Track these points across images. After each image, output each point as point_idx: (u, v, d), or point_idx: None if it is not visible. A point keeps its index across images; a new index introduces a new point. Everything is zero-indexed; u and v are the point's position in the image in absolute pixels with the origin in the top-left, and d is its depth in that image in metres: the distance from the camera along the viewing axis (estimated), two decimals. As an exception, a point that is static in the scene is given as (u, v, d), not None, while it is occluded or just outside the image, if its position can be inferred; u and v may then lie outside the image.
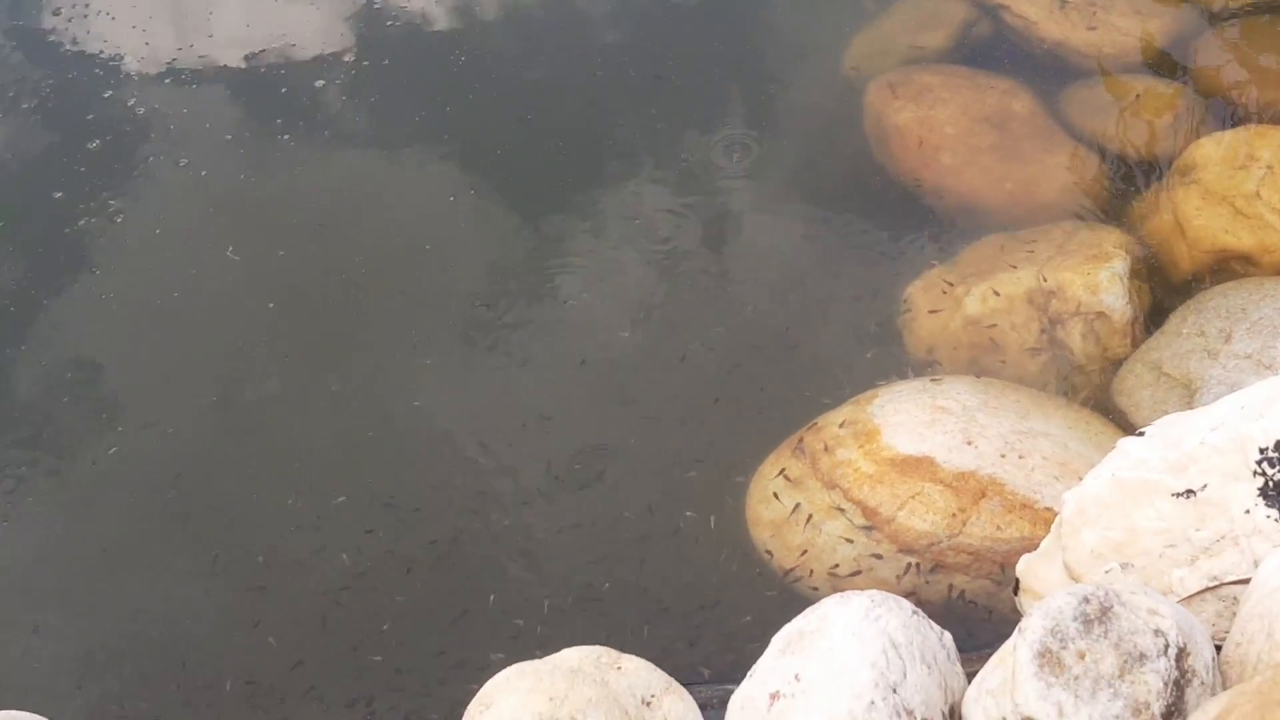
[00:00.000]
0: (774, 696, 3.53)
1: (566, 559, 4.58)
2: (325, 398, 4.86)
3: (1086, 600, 3.30)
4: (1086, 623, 3.27)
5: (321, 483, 4.66)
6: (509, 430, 4.81)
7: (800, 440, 4.78)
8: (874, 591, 3.60)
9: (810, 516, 4.61)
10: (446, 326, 4.96)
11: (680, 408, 4.93)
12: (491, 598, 4.51)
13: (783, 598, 4.46)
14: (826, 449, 4.68)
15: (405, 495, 4.63)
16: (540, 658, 3.79)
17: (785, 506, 4.71)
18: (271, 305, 5.07)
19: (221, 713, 4.25)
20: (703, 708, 3.85)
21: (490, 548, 4.57)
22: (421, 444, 4.74)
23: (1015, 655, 3.28)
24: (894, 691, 3.36)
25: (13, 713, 3.30)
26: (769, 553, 4.64)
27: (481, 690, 3.74)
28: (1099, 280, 4.90)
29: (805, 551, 4.58)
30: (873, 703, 3.34)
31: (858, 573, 4.43)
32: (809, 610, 3.67)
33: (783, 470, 4.75)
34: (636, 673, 4.00)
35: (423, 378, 4.97)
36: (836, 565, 4.49)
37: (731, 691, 3.70)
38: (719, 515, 4.72)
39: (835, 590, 3.95)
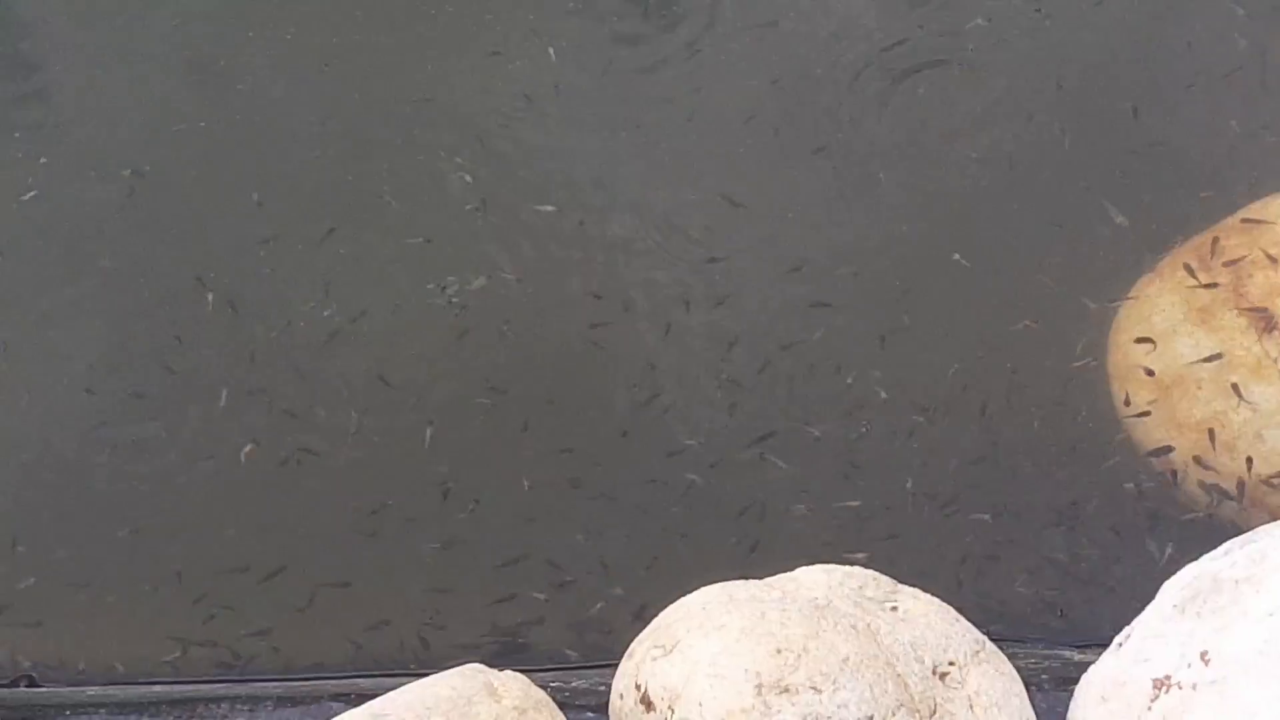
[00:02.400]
0: (1162, 685, 2.59)
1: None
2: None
3: None
4: None
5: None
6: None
7: (1214, 242, 3.66)
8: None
9: (1229, 377, 3.51)
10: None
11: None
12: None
13: (1173, 515, 3.44)
14: (1270, 259, 3.58)
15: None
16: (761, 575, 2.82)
17: (1180, 355, 3.53)
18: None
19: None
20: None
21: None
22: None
23: None
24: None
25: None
26: (1144, 434, 3.54)
27: (661, 618, 2.72)
28: None
29: (1213, 433, 3.45)
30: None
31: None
32: (1229, 544, 2.77)
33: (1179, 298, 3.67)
34: (924, 619, 2.52)
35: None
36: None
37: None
38: (1059, 362, 3.61)
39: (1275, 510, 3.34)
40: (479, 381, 3.56)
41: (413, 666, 3.20)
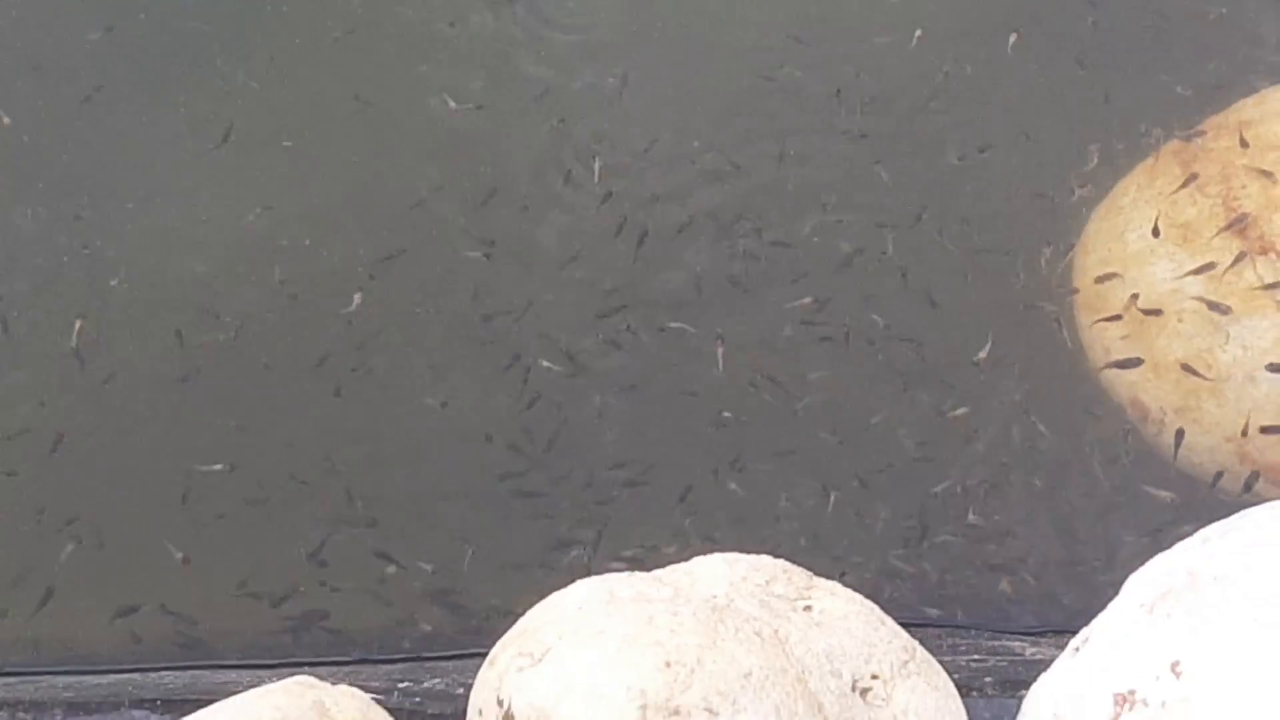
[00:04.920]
0: (1125, 700, 2.29)
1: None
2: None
3: None
4: None
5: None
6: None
7: (1196, 137, 3.36)
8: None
9: (1219, 306, 3.12)
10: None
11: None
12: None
13: (1150, 483, 3.07)
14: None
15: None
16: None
17: (1161, 285, 3.16)
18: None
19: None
20: None
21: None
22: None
23: None
24: None
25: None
26: (1114, 384, 3.22)
27: (529, 618, 2.39)
28: None
29: (1188, 376, 3.11)
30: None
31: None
32: (1206, 531, 2.47)
33: (1157, 215, 3.24)
34: (843, 623, 2.22)
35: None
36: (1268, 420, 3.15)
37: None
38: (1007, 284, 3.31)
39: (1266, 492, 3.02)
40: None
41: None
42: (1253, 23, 3.68)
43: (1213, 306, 3.11)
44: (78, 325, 3.34)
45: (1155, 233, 3.21)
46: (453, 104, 3.62)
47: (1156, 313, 3.14)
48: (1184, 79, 3.57)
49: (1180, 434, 3.11)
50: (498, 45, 3.69)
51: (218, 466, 3.18)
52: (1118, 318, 3.16)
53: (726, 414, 3.22)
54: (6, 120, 3.61)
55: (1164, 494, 3.09)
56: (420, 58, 3.73)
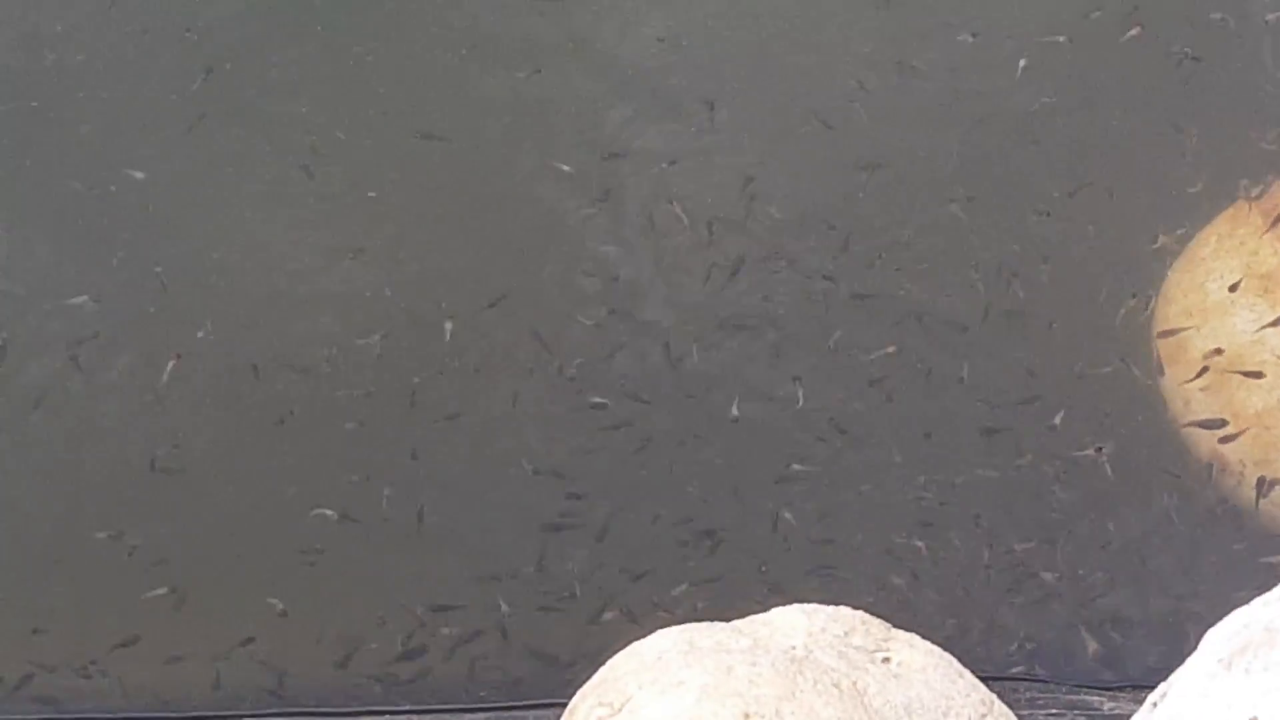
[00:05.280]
0: None
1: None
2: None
3: None
4: None
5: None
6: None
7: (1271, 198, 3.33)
8: None
9: None
10: None
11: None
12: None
13: (1236, 536, 3.00)
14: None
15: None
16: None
17: (1240, 336, 3.16)
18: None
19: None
20: None
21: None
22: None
23: None
24: None
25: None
26: (1194, 437, 3.16)
27: (609, 668, 2.41)
28: None
29: (1268, 428, 3.10)
30: None
31: None
32: None
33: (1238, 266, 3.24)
34: (922, 675, 2.21)
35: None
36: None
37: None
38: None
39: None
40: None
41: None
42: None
43: None
44: (170, 365, 3.40)
45: (1233, 288, 3.22)
46: (566, 168, 3.66)
47: (1257, 375, 3.11)
48: (1268, 132, 3.57)
49: (1260, 484, 3.07)
50: (590, 105, 3.74)
51: (327, 512, 3.25)
52: (1203, 371, 3.13)
53: (796, 466, 3.24)
54: (140, 175, 3.67)
55: (1242, 547, 3.07)
56: (508, 110, 3.78)
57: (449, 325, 3.42)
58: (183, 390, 3.36)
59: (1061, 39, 3.67)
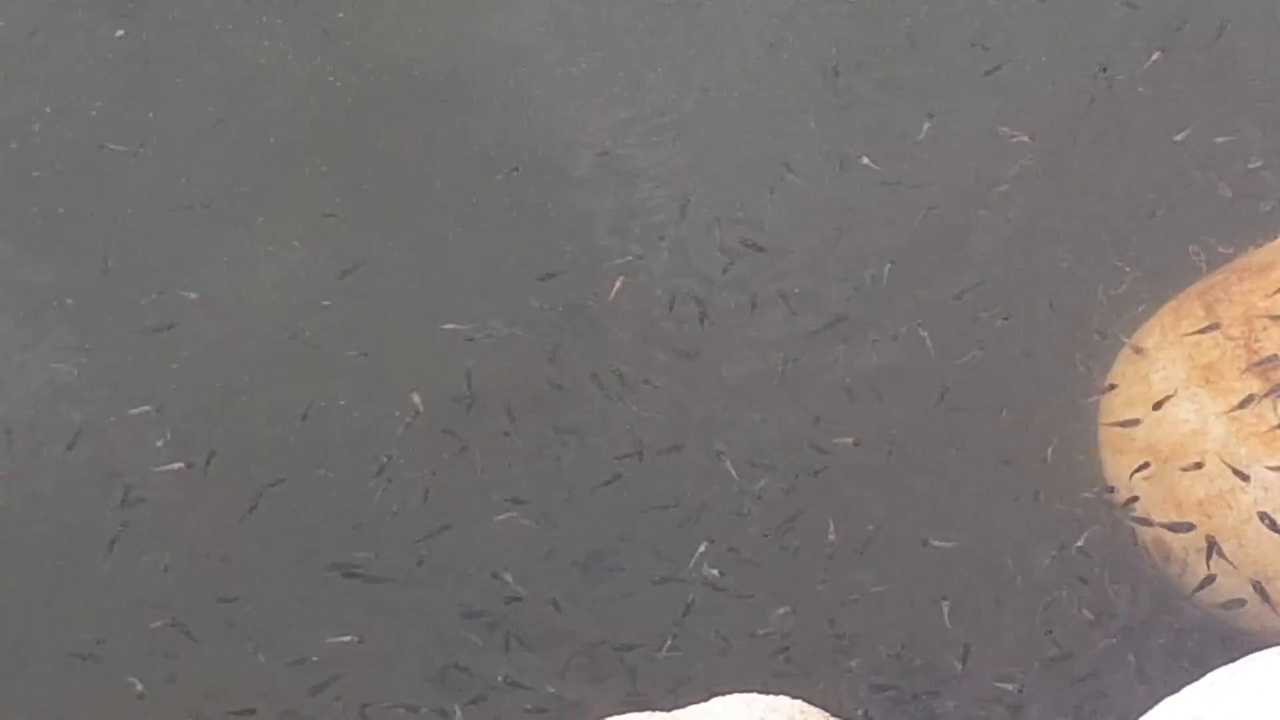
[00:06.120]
0: None
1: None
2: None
3: None
4: None
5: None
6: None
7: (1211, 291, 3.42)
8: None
9: (1228, 448, 3.17)
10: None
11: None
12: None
13: (1160, 617, 3.13)
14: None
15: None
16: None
17: (1183, 426, 3.23)
18: None
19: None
20: None
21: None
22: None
23: None
24: None
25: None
26: (1138, 518, 3.23)
27: None
28: None
29: (1209, 517, 3.14)
30: None
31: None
32: (1214, 675, 2.48)
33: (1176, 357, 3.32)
34: None
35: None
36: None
37: None
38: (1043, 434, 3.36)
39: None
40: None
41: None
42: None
43: (1236, 472, 3.08)
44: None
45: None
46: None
47: (1196, 466, 3.13)
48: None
49: (1208, 579, 3.09)
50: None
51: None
52: (1145, 466, 3.17)
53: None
54: None
55: (1187, 632, 3.10)
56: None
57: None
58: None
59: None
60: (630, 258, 3.63)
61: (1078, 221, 3.65)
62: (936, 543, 3.18)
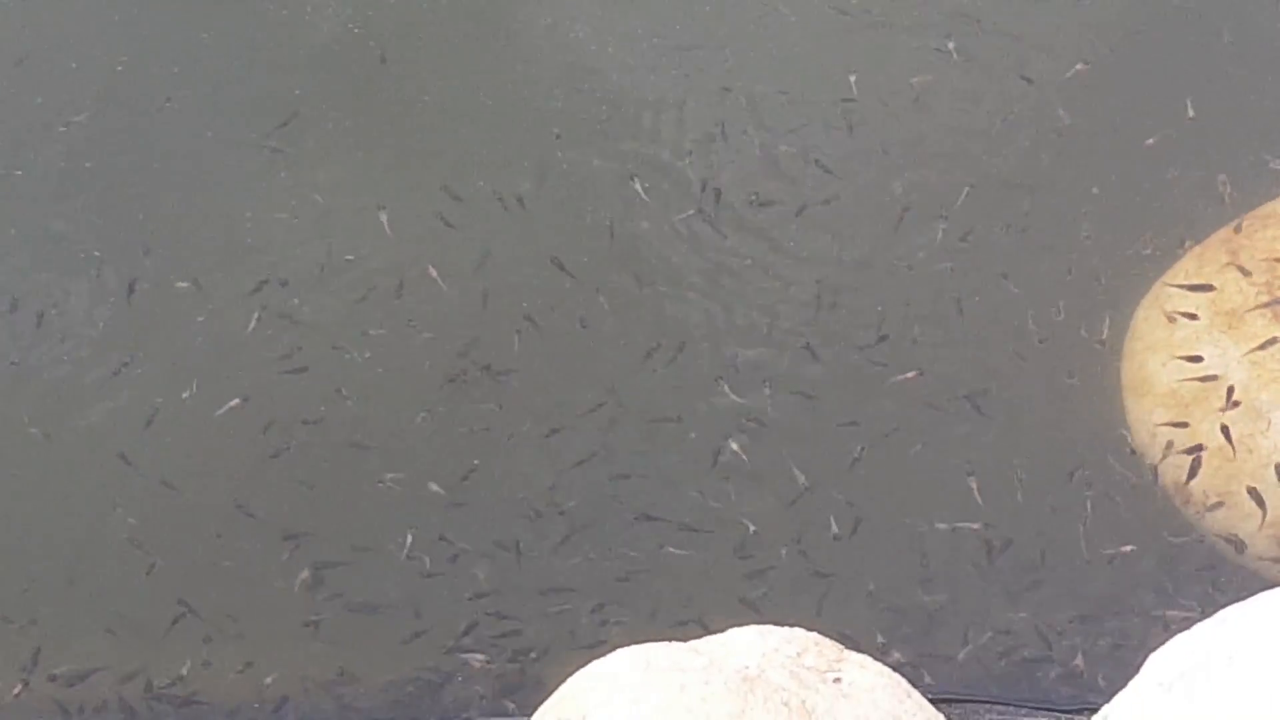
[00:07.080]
0: None
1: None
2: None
3: None
4: None
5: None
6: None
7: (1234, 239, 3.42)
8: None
9: (1250, 393, 3.20)
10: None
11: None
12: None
13: (1184, 559, 3.13)
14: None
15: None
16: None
17: (1205, 370, 3.27)
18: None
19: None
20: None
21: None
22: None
23: None
24: None
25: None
26: (1155, 466, 3.26)
27: (569, 685, 2.52)
28: None
29: (1230, 460, 3.18)
30: None
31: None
32: (1225, 612, 2.50)
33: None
34: (870, 695, 2.32)
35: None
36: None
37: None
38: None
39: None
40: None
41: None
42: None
43: (1257, 416, 3.14)
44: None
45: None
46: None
47: (1219, 411, 3.18)
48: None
49: (1220, 513, 3.13)
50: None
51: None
52: (1166, 410, 3.21)
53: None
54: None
55: (1201, 571, 3.14)
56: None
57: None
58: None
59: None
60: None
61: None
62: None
